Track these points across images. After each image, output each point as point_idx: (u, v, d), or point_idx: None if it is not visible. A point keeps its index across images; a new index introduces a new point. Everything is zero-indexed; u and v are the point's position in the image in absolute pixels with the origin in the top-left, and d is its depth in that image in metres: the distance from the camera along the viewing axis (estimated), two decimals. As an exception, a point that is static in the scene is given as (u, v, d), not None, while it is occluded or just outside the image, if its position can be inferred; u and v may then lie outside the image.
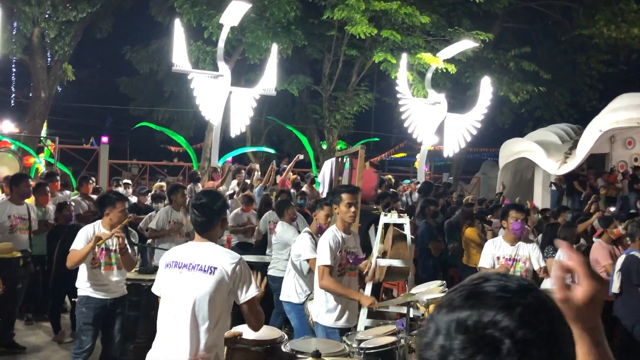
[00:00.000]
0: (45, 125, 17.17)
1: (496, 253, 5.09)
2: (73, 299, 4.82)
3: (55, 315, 6.64)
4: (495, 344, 0.80)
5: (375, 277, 5.02)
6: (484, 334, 0.81)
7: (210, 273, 2.81)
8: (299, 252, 5.04)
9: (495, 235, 7.46)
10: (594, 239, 7.11)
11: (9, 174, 8.24)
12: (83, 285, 4.55)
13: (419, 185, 12.26)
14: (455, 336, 0.82)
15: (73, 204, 7.46)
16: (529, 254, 5.05)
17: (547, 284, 6.29)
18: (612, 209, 11.73)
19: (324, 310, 4.12)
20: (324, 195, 9.44)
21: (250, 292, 2.87)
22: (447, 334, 0.83)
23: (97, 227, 4.56)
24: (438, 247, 7.64)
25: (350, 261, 4.18)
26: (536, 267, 5.08)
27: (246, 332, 3.38)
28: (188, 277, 2.83)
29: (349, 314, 4.16)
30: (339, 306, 4.08)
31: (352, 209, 4.11)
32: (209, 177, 10.77)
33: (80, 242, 4.44)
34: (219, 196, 3.12)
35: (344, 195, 4.11)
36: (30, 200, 7.10)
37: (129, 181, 11.46)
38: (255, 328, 3.02)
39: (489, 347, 0.80)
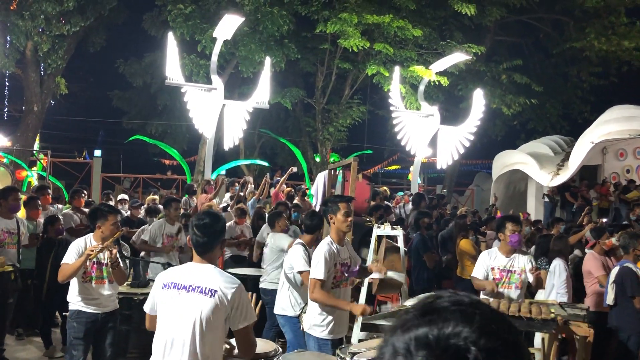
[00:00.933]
0: (37, 138, 17.12)
1: (491, 264, 5.07)
2: (64, 313, 4.76)
3: (47, 330, 6.57)
4: (460, 353, 0.77)
5: (372, 289, 4.99)
6: (447, 345, 0.78)
7: (211, 295, 2.77)
8: (291, 265, 5.01)
9: (489, 246, 7.46)
10: (586, 250, 7.11)
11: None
12: (74, 300, 4.50)
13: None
14: (416, 353, 0.79)
15: (61, 217, 7.40)
16: (524, 265, 5.03)
17: (540, 296, 6.29)
18: (604, 220, 11.77)
19: (316, 321, 4.09)
20: (317, 208, 9.43)
21: (247, 319, 2.83)
22: (407, 352, 0.80)
23: (88, 241, 4.52)
24: (433, 259, 7.64)
25: (346, 274, 4.16)
26: (531, 279, 5.06)
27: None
28: (187, 299, 2.80)
29: (341, 325, 4.13)
30: (331, 317, 4.05)
31: (350, 218, 4.11)
32: (202, 190, 10.74)
33: (72, 256, 4.39)
34: (220, 217, 3.09)
35: (341, 205, 4.10)
36: (23, 214, 7.05)
37: (126, 197, 11.38)
38: (246, 355, 2.97)
39: (454, 358, 0.78)
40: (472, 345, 0.78)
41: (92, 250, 4.29)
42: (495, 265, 5.05)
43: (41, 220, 7.20)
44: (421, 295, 4.50)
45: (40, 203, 7.28)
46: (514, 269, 5.01)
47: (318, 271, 3.95)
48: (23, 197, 7.39)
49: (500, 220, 5.41)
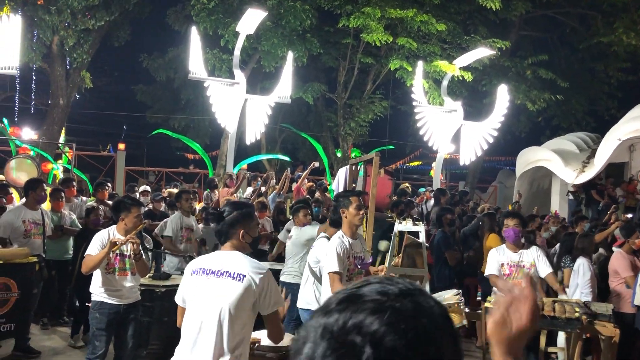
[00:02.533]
0: (63, 132, 17.37)
1: (500, 259, 5.12)
2: (87, 304, 4.83)
3: (78, 319, 6.61)
4: (355, 351, 0.73)
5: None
6: (345, 340, 0.74)
7: (240, 280, 2.80)
8: (317, 258, 4.99)
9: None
10: (614, 248, 6.98)
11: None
12: (97, 291, 4.56)
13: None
14: (320, 343, 0.76)
15: (101, 208, 7.53)
16: (534, 260, 5.06)
17: (564, 295, 6.19)
18: (629, 215, 11.52)
19: None
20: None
21: (275, 304, 2.88)
22: (314, 340, 0.77)
23: (111, 233, 4.57)
24: (454, 257, 7.55)
25: (358, 266, 4.15)
26: (543, 274, 5.04)
27: (263, 338, 3.36)
28: (216, 283, 2.82)
29: None
30: None
31: (361, 211, 4.11)
32: (224, 184, 10.80)
33: (95, 247, 4.45)
34: (237, 206, 3.10)
35: (353, 199, 4.11)
36: (48, 206, 7.17)
37: (148, 188, 11.50)
38: (276, 340, 3.01)
39: (349, 355, 0.73)
40: (369, 345, 0.73)
41: (115, 243, 4.35)
42: (504, 261, 5.10)
43: (65, 212, 7.31)
44: (443, 292, 4.46)
45: (64, 195, 7.40)
46: (523, 264, 5.06)
47: (333, 265, 3.95)
48: (48, 189, 7.51)
49: (500, 216, 5.44)
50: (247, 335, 2.90)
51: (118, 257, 4.58)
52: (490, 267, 5.16)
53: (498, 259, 5.13)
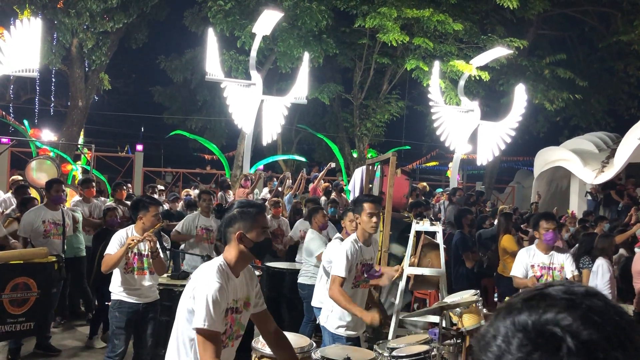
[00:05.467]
0: (82, 133, 17.58)
1: (530, 261, 5.06)
2: (106, 302, 4.88)
3: (96, 318, 6.68)
4: (555, 341, 0.76)
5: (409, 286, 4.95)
6: (542, 330, 0.77)
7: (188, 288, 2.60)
8: (330, 259, 5.02)
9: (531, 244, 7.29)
10: (636, 249, 6.89)
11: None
12: (116, 290, 4.61)
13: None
14: (513, 335, 0.79)
15: (120, 209, 7.63)
16: (563, 262, 5.01)
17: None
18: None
19: (332, 316, 4.08)
20: (355, 204, 9.40)
21: (196, 320, 2.42)
22: (505, 335, 0.80)
23: (130, 232, 4.62)
24: (473, 258, 7.50)
25: (365, 275, 4.10)
26: (569, 276, 5.01)
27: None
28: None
29: (356, 323, 4.09)
30: (347, 314, 4.02)
31: (374, 219, 3.98)
32: (239, 185, 10.85)
33: (114, 246, 4.51)
34: (240, 204, 2.69)
35: (366, 205, 4.00)
36: (68, 205, 7.26)
37: (162, 187, 11.62)
38: None
39: (548, 345, 0.76)
40: (569, 335, 0.76)
41: (132, 241, 4.39)
42: (535, 263, 5.04)
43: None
44: (461, 292, 4.44)
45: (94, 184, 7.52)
46: (554, 266, 5.01)
47: (339, 269, 3.90)
48: (68, 190, 7.61)
49: (535, 218, 5.36)
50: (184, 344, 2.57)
51: (136, 256, 4.63)
52: (517, 269, 5.12)
53: (527, 261, 5.08)
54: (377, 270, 4.30)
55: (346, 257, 3.92)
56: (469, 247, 7.57)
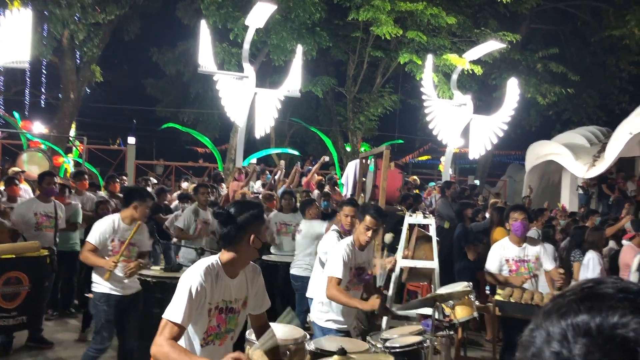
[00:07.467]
0: (73, 126, 17.49)
1: (505, 255, 5.03)
2: (86, 295, 4.89)
3: (89, 311, 6.64)
4: (628, 346, 0.69)
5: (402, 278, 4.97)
6: (612, 335, 0.70)
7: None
8: (326, 250, 5.03)
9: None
10: (623, 241, 6.95)
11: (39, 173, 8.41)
12: (102, 282, 4.56)
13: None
14: (575, 340, 0.72)
15: (112, 202, 7.61)
16: (538, 254, 5.00)
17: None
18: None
19: (323, 311, 4.15)
20: (348, 197, 9.40)
21: (166, 310, 2.50)
22: (564, 339, 0.73)
23: (117, 221, 4.58)
24: (475, 251, 7.50)
25: (355, 279, 4.15)
26: (549, 267, 4.99)
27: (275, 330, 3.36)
28: None
29: (347, 316, 4.17)
30: (339, 308, 4.09)
31: (369, 233, 4.02)
32: (233, 178, 10.83)
33: (95, 236, 4.46)
34: (248, 207, 2.67)
35: (368, 218, 4.03)
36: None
37: (155, 180, 11.58)
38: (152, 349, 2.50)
39: (620, 351, 0.70)
40: None
41: (114, 264, 4.40)
42: (509, 257, 5.01)
43: (77, 203, 7.38)
44: (454, 284, 4.46)
45: (70, 191, 7.50)
46: (527, 258, 5.00)
47: (336, 270, 3.97)
48: (59, 181, 7.56)
49: (507, 210, 5.34)
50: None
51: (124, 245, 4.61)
52: (490, 264, 5.09)
53: (502, 254, 5.04)
54: (369, 274, 4.32)
55: (342, 259, 3.99)
56: (471, 240, 7.58)
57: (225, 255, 2.63)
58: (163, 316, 2.48)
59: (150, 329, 4.85)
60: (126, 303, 4.64)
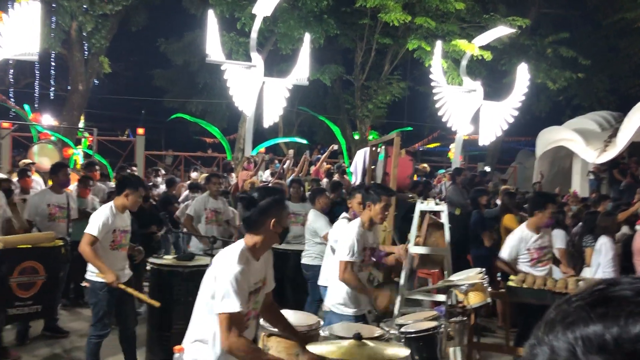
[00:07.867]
0: (82, 117, 17.54)
1: (526, 244, 5.02)
2: (81, 283, 4.96)
3: None
4: None
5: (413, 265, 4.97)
6: (635, 350, 0.57)
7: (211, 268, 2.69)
8: (336, 238, 5.03)
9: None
10: (637, 226, 6.90)
11: (50, 164, 8.46)
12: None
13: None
14: (587, 358, 0.59)
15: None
16: (551, 238, 5.13)
17: (586, 273, 6.15)
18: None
19: (340, 298, 4.14)
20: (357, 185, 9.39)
21: (219, 304, 2.53)
22: (571, 356, 0.60)
23: (113, 209, 4.62)
24: (491, 237, 7.48)
25: (373, 259, 4.17)
26: (560, 245, 5.09)
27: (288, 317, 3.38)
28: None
29: (363, 300, 4.18)
30: (354, 292, 4.11)
31: (387, 212, 4.11)
32: (242, 168, 10.85)
33: (95, 226, 4.48)
34: (270, 192, 2.78)
35: (384, 198, 4.08)
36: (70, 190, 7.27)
37: (164, 171, 11.63)
38: (223, 344, 2.55)
39: None
40: None
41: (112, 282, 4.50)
42: (530, 246, 5.00)
43: (88, 198, 7.41)
44: (466, 270, 4.45)
45: (92, 183, 7.50)
46: (546, 244, 5.04)
47: (349, 253, 3.99)
48: (71, 174, 7.61)
49: (543, 198, 5.29)
50: (205, 328, 2.65)
51: (122, 233, 4.69)
52: (506, 251, 5.09)
53: (522, 244, 5.04)
54: (382, 251, 4.33)
55: (354, 241, 4.01)
56: (487, 226, 7.55)
57: (250, 239, 2.71)
58: (219, 311, 2.51)
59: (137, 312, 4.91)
60: (121, 290, 4.70)
